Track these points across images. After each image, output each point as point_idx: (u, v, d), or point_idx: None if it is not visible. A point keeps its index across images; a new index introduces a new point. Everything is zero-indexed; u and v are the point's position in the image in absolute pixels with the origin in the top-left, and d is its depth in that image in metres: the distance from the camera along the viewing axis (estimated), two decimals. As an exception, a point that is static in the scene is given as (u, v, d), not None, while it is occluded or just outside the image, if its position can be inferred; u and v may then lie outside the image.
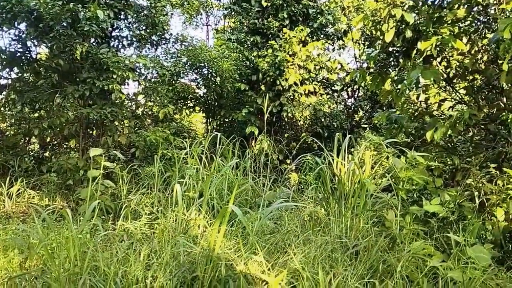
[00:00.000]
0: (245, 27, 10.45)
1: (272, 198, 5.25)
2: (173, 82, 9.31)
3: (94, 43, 7.79)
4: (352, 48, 11.42)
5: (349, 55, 12.65)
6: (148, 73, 9.64)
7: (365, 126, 11.10)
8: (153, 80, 9.50)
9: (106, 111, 7.26)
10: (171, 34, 10.18)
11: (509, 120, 5.03)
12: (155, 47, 10.21)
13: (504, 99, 5.01)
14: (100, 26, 7.02)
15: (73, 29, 6.95)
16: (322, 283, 2.42)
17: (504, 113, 5.05)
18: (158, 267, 2.67)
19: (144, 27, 9.32)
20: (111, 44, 8.81)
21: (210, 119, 10.54)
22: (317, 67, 10.23)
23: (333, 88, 11.27)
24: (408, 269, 2.89)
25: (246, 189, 5.55)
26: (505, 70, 4.04)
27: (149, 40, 9.86)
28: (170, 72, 9.09)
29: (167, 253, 2.81)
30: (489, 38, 4.94)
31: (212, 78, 9.72)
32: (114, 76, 7.26)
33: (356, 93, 11.56)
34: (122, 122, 8.38)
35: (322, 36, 10.73)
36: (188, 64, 9.50)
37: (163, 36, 10.12)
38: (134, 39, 9.37)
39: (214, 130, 10.08)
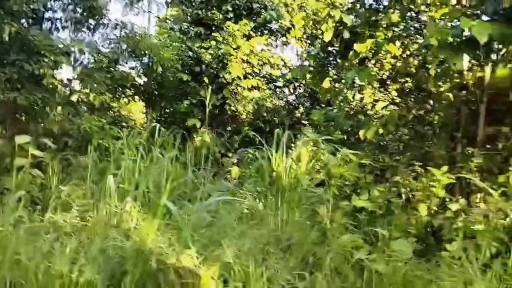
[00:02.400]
0: (188, 17, 10.27)
1: (211, 191, 5.22)
2: (111, 69, 8.92)
3: (24, 24, 7.25)
4: (295, 46, 11.66)
5: (293, 52, 12.91)
6: (83, 59, 9.17)
7: (305, 122, 11.39)
8: (89, 66, 9.05)
9: (37, 96, 6.79)
10: (110, 19, 9.74)
11: (435, 122, 5.41)
12: (92, 31, 9.71)
13: (432, 102, 5.36)
14: (31, 6, 6.54)
15: (1, 8, 6.41)
16: (252, 275, 2.46)
17: (431, 115, 5.41)
18: (86, 262, 2.57)
19: (80, 10, 8.82)
20: (44, 27, 8.23)
21: (150, 109, 10.25)
22: (261, 62, 10.32)
23: (275, 84, 11.43)
24: (337, 261, 3.02)
25: (185, 182, 5.48)
26: (432, 75, 4.32)
27: (85, 24, 9.37)
28: (107, 58, 8.70)
29: (96, 247, 2.71)
30: (419, 43, 5.26)
31: (153, 67, 9.45)
32: (46, 60, 6.81)
33: (297, 90, 11.82)
34: (54, 109, 7.90)
35: (266, 31, 10.84)
36: (128, 51, 9.15)
37: (101, 21, 9.65)
38: (69, 22, 8.85)
39: (154, 121, 9.82)
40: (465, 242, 3.37)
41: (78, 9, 9.04)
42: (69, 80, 8.78)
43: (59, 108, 8.12)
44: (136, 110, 11.99)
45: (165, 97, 9.90)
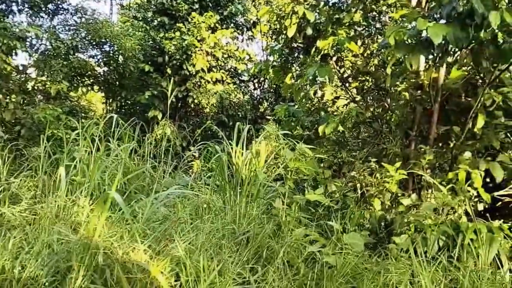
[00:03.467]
0: (152, 6, 10.03)
1: (170, 185, 5.14)
2: (69, 56, 8.59)
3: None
4: (261, 40, 11.66)
5: (258, 46, 12.91)
6: (41, 45, 8.79)
7: (269, 117, 11.46)
8: (46, 52, 8.68)
9: (-13, 82, 6.46)
10: (70, 4, 9.39)
11: (392, 120, 5.57)
12: (51, 17, 9.33)
13: (389, 100, 5.51)
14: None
15: None
16: (203, 270, 2.44)
17: (388, 113, 5.57)
18: (30, 256, 2.46)
19: (38, -7, 8.45)
20: (-3, 9, 7.84)
21: (110, 99, 9.98)
22: (225, 56, 10.25)
23: (240, 78, 11.41)
24: (290, 254, 3.06)
25: (143, 175, 5.36)
26: (389, 74, 4.43)
27: (43, 9, 8.99)
28: (66, 45, 8.38)
29: (41, 241, 2.60)
30: (379, 43, 5.38)
31: (114, 56, 9.18)
32: (-1, 44, 6.48)
33: (262, 85, 11.85)
34: (7, 97, 7.52)
35: (231, 25, 10.76)
36: (88, 38, 8.85)
37: (60, 6, 9.29)
38: (26, 5, 8.45)
39: (114, 112, 9.56)
40: (414, 236, 3.49)
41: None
42: (24, 67, 8.40)
43: (12, 95, 7.76)
44: (97, 100, 11.64)
45: (126, 88, 9.65)
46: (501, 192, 4.05)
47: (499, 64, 4.03)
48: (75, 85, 9.01)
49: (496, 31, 3.67)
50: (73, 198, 3.54)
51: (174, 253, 2.60)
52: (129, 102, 10.19)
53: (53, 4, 9.10)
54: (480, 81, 4.51)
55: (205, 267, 2.50)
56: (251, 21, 11.14)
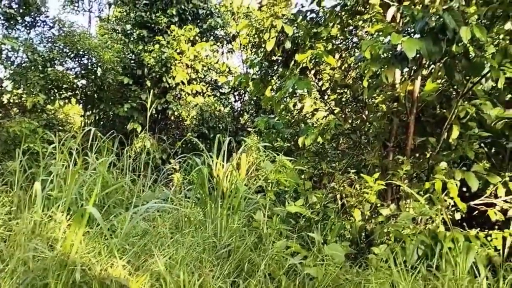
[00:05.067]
0: (131, 19, 10.01)
1: (150, 198, 5.08)
2: (46, 69, 8.46)
3: None
4: (240, 53, 11.74)
5: (239, 59, 13.01)
6: (17, 57, 8.64)
7: (250, 129, 11.49)
8: (23, 65, 8.53)
9: (-41, 96, 6.30)
10: (47, 17, 9.28)
11: (370, 131, 5.66)
12: (28, 29, 9.20)
13: (366, 112, 5.60)
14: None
15: None
16: (183, 285, 2.41)
17: (366, 125, 5.66)
18: (5, 274, 2.38)
19: (16, 6, 8.33)
20: (-29, 21, 7.71)
21: (89, 112, 9.84)
22: (205, 68, 10.27)
23: (220, 90, 11.43)
24: (271, 267, 3.06)
25: (122, 189, 5.28)
26: (365, 86, 4.52)
27: (20, 21, 8.86)
28: (42, 57, 8.25)
29: (16, 258, 2.52)
30: (356, 56, 5.50)
31: (93, 69, 9.09)
32: (-29, 57, 6.34)
33: (243, 97, 11.90)
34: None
35: (211, 38, 10.81)
36: (65, 51, 8.74)
37: (38, 18, 9.18)
38: (2, 18, 8.31)
39: (92, 125, 9.42)
40: (394, 246, 3.54)
41: (13, 5, 8.53)
42: (0, 80, 8.24)
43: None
44: (75, 113, 11.46)
45: (105, 100, 9.54)
46: (477, 202, 4.15)
47: (472, 77, 4.17)
48: (52, 97, 8.87)
49: (468, 45, 3.80)
50: (49, 213, 3.45)
51: (154, 268, 2.56)
52: (108, 115, 10.07)
53: (30, 16, 8.99)
54: (454, 93, 4.65)
55: (186, 281, 2.47)
56: (231, 34, 11.23)
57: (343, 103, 5.91)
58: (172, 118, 10.13)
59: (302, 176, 5.08)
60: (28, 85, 7.97)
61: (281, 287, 2.87)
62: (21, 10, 8.54)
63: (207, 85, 10.70)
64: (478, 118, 4.30)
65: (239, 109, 11.74)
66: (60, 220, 3.30)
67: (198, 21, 10.56)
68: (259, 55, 6.08)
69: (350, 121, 5.54)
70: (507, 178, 4.04)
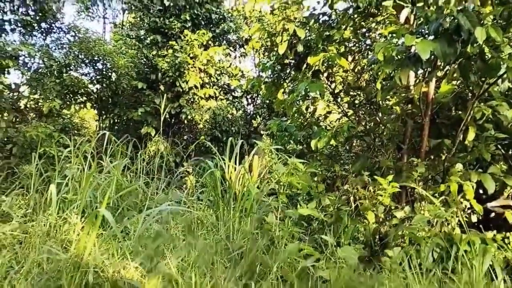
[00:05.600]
0: (145, 25, 10.14)
1: (163, 201, 5.11)
2: (62, 74, 8.62)
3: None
4: (253, 57, 11.78)
5: (252, 63, 13.07)
6: (33, 63, 8.82)
7: (262, 132, 11.49)
8: (39, 71, 8.71)
9: (-21, 101, 6.46)
10: (63, 23, 9.46)
11: (384, 134, 5.60)
12: (44, 35, 9.39)
13: (380, 115, 5.55)
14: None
15: None
16: (195, 287, 2.41)
17: (379, 127, 5.61)
18: (20, 276, 2.42)
19: (32, 13, 8.50)
20: (-9, 29, 7.90)
21: (103, 116, 9.97)
22: (218, 72, 10.33)
23: (233, 94, 11.47)
24: (284, 269, 3.04)
25: (136, 192, 5.33)
26: (379, 89, 4.48)
27: (36, 27, 9.04)
28: (58, 63, 8.41)
29: (30, 260, 2.56)
30: (369, 59, 5.45)
31: (107, 74, 9.23)
32: (-9, 63, 6.50)
33: (255, 100, 11.92)
34: (-1, 115, 7.52)
35: (224, 42, 10.87)
36: (81, 56, 8.89)
37: (53, 25, 9.36)
38: (19, 24, 8.50)
39: (107, 129, 9.55)
40: (408, 248, 3.49)
41: (30, 12, 8.71)
42: (16, 85, 8.41)
43: (5, 114, 7.75)
44: (90, 117, 11.64)
45: (119, 105, 9.66)
46: (493, 203, 4.08)
47: (487, 78, 4.10)
48: (68, 102, 9.02)
49: (483, 46, 3.74)
50: (64, 216, 3.50)
51: (166, 270, 2.57)
52: (122, 119, 10.20)
53: (46, 23, 9.17)
54: (470, 94, 4.58)
55: (198, 284, 2.48)
56: (244, 38, 11.27)
57: (356, 105, 5.87)
58: (186, 122, 10.20)
59: (315, 179, 5.06)
60: (44, 90, 8.12)
61: (294, 289, 2.86)
62: (37, 17, 8.71)
63: (220, 89, 10.75)
64: (494, 119, 4.23)
65: (251, 112, 11.75)
66: (75, 223, 3.34)
67: (211, 25, 10.64)
68: (271, 59, 6.09)
69: (363, 123, 5.49)
70: (525, 180, 3.96)
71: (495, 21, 3.95)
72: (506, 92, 4.65)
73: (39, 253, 2.73)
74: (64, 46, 9.17)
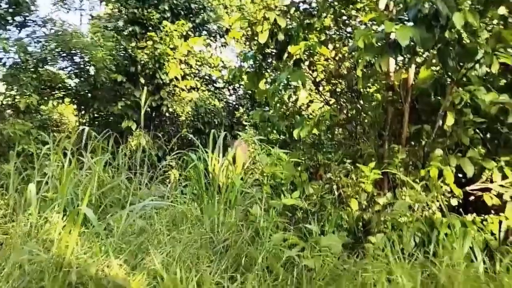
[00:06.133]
0: (123, 16, 9.91)
1: (146, 196, 5.07)
2: (39, 69, 8.39)
3: None
4: (234, 47, 11.68)
5: (233, 53, 12.95)
6: (8, 58, 8.56)
7: (246, 123, 11.44)
8: (15, 66, 8.46)
9: (-50, 98, 6.24)
10: (38, 16, 9.19)
11: (365, 121, 5.64)
12: (19, 29, 9.11)
13: (361, 102, 5.59)
14: None
15: None
16: (180, 282, 2.41)
17: (360, 115, 5.64)
18: (1, 278, 2.36)
19: (5, 6, 8.23)
20: (-40, 23, 7.61)
21: (83, 111, 9.77)
22: (199, 63, 10.21)
23: (215, 85, 11.37)
24: (269, 260, 3.06)
25: (119, 188, 5.27)
26: (359, 76, 4.50)
27: (10, 21, 8.76)
28: (34, 58, 8.19)
29: (11, 262, 2.51)
30: (349, 46, 5.46)
31: (85, 67, 9.02)
32: (-38, 59, 6.28)
33: (237, 91, 11.84)
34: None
35: (204, 32, 10.74)
36: (57, 50, 8.66)
37: (28, 18, 9.08)
38: (-8, 18, 8.23)
39: (87, 124, 9.37)
40: (391, 234, 3.54)
41: (2, 4, 8.43)
42: (-9, 81, 8.17)
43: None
44: (69, 113, 11.40)
45: (99, 99, 9.46)
46: (472, 187, 4.16)
47: (465, 63, 4.15)
48: (46, 98, 8.80)
49: (461, 31, 3.78)
50: (45, 215, 3.44)
51: (150, 266, 2.55)
52: (102, 114, 10.01)
53: (20, 16, 8.89)
54: (449, 80, 4.63)
55: (183, 278, 2.47)
56: (224, 28, 11.15)
57: (338, 93, 5.89)
58: (167, 114, 10.06)
59: (299, 168, 5.07)
60: (20, 86, 7.91)
61: (279, 279, 2.87)
62: (11, 10, 8.44)
63: (201, 80, 10.64)
64: (472, 104, 4.28)
65: (234, 103, 11.68)
66: (56, 222, 3.28)
67: (191, 15, 10.47)
68: (252, 48, 6.04)
69: (345, 111, 5.52)
70: (503, 163, 4.05)
71: (472, 6, 3.99)
72: (484, 77, 4.72)
73: (20, 254, 2.67)
74: (40, 39, 8.91)
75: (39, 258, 2.52)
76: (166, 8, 9.78)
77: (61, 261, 2.35)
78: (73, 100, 9.55)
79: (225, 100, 11.55)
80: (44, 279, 2.30)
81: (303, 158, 5.37)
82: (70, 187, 3.92)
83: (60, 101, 9.25)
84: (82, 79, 9.15)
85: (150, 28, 9.85)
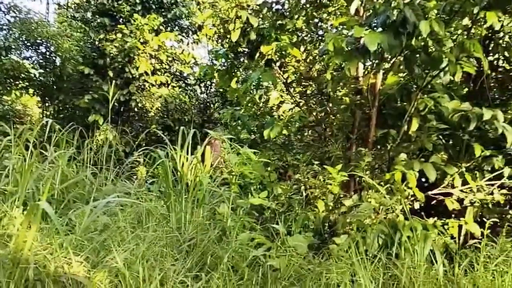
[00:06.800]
0: (92, 7, 9.64)
1: (111, 192, 4.94)
2: (1, 58, 8.04)
3: None
4: (206, 44, 11.59)
5: (205, 50, 12.83)
6: (-32, 46, 8.16)
7: (216, 121, 11.40)
8: (-25, 53, 8.08)
9: None
10: (1, 3, 8.81)
11: (334, 124, 5.73)
12: (-20, 16, 8.71)
13: (331, 105, 5.67)
14: None
15: None
16: (143, 281, 2.36)
17: (329, 117, 5.72)
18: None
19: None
20: None
21: (47, 103, 9.44)
22: (170, 59, 10.07)
23: (186, 81, 11.25)
24: (234, 259, 3.05)
25: (83, 183, 5.11)
26: (329, 79, 4.56)
27: (-28, 7, 8.37)
28: (-4, 46, 7.86)
29: (-37, 258, 2.38)
30: (319, 49, 5.53)
31: (51, 58, 8.72)
32: None
33: (209, 88, 11.77)
34: None
35: (176, 28, 10.60)
36: (22, 39, 8.33)
37: (-9, 4, 8.70)
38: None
39: (51, 116, 9.06)
40: (355, 235, 3.61)
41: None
42: None
43: None
44: (33, 104, 11.00)
45: (64, 91, 9.17)
46: (435, 191, 4.30)
47: (430, 70, 4.28)
48: (8, 88, 8.45)
49: (427, 39, 3.90)
50: (3, 209, 3.29)
51: (112, 264, 2.49)
52: (68, 106, 9.71)
53: (-18, 2, 8.51)
54: (414, 86, 4.77)
55: (146, 277, 2.42)
56: (196, 25, 11.04)
57: (308, 95, 5.96)
58: (136, 109, 9.88)
59: (268, 168, 5.09)
60: (-20, 74, 7.57)
61: (244, 279, 2.87)
62: (-28, -5, 8.07)
63: (172, 76, 10.50)
64: (436, 111, 4.42)
65: (205, 101, 11.59)
66: (15, 216, 3.15)
67: (162, 10, 10.31)
68: (224, 46, 6.02)
69: (314, 113, 5.59)
70: (464, 169, 4.21)
71: (438, 15, 4.13)
72: (448, 85, 4.89)
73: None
74: (4, 27, 8.55)
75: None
76: (137, 1, 9.60)
77: (19, 257, 2.25)
78: (37, 91, 9.22)
79: (196, 97, 11.46)
80: (0, 275, 2.20)
81: (272, 159, 5.40)
82: (31, 181, 3.76)
83: (24, 91, 8.90)
84: (47, 69, 8.85)
85: (120, 20, 9.64)
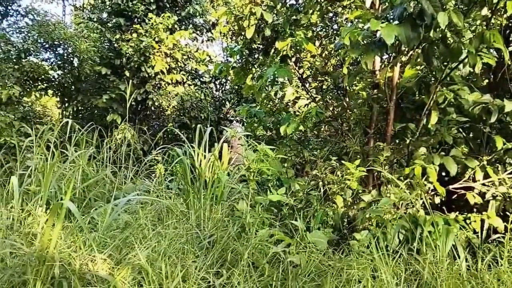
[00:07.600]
0: (107, 7, 9.74)
1: (131, 190, 5.02)
2: (21, 60, 8.21)
3: None
4: (221, 41, 11.60)
5: (219, 47, 12.86)
6: (-11, 49, 8.36)
7: (232, 118, 11.42)
8: (-3, 57, 8.27)
9: None
10: (20, 6, 9.00)
11: (351, 119, 5.69)
12: (0, 19, 8.91)
13: (347, 100, 5.62)
14: None
15: None
16: (165, 277, 2.39)
17: (346, 112, 5.68)
18: (-19, 273, 2.32)
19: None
20: None
21: (66, 104, 9.61)
22: (185, 57, 10.12)
23: (201, 79, 11.29)
24: (255, 256, 3.06)
25: (103, 182, 5.21)
26: (346, 74, 4.52)
27: (-9, 11, 8.56)
28: (16, 48, 8.01)
29: (-8, 256, 2.46)
30: (335, 43, 5.48)
31: (69, 59, 8.86)
32: None
33: (224, 86, 11.78)
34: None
35: (190, 26, 10.64)
36: (40, 41, 8.48)
37: (10, 7, 8.88)
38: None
39: (70, 117, 9.22)
40: (375, 231, 3.58)
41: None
42: (-29, 72, 7.96)
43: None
44: (53, 105, 11.21)
45: (82, 91, 9.32)
46: (455, 185, 4.24)
47: (449, 62, 4.21)
48: (28, 89, 8.62)
49: (445, 30, 3.83)
50: (27, 208, 3.38)
51: (135, 261, 2.53)
52: (87, 106, 9.86)
53: (2, 5, 8.69)
54: (433, 79, 4.69)
55: (168, 273, 2.46)
56: (210, 22, 11.07)
57: (324, 90, 5.92)
58: (153, 108, 9.97)
59: (285, 165, 5.09)
60: (2, 77, 7.74)
61: (265, 275, 2.88)
62: (-9, -1, 8.25)
63: (187, 74, 10.55)
64: (456, 103, 4.35)
65: (220, 98, 11.62)
66: (39, 215, 3.23)
67: (176, 8, 10.36)
68: (239, 43, 6.02)
69: (331, 108, 5.55)
70: (485, 162, 4.13)
71: (457, 6, 4.05)
72: (467, 77, 4.80)
73: (2, 248, 2.62)
74: (22, 30, 8.72)
75: (22, 252, 2.48)
76: (152, 0, 9.65)
77: (44, 255, 2.31)
78: (56, 92, 9.38)
79: (211, 95, 11.49)
80: (27, 272, 2.26)
81: (289, 155, 5.39)
82: (53, 180, 3.85)
83: (43, 93, 9.07)
84: (65, 70, 8.99)
85: (135, 20, 9.72)
